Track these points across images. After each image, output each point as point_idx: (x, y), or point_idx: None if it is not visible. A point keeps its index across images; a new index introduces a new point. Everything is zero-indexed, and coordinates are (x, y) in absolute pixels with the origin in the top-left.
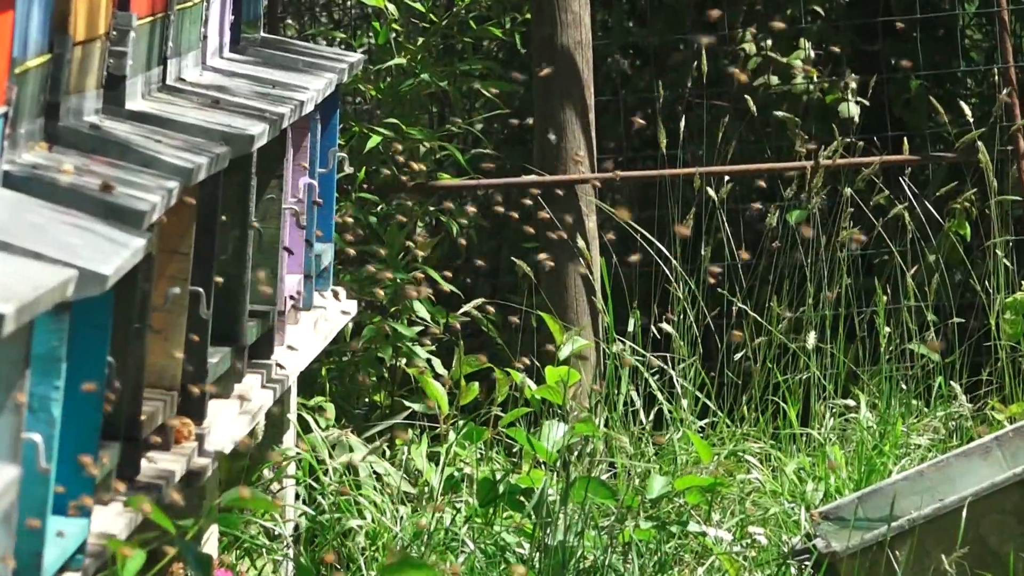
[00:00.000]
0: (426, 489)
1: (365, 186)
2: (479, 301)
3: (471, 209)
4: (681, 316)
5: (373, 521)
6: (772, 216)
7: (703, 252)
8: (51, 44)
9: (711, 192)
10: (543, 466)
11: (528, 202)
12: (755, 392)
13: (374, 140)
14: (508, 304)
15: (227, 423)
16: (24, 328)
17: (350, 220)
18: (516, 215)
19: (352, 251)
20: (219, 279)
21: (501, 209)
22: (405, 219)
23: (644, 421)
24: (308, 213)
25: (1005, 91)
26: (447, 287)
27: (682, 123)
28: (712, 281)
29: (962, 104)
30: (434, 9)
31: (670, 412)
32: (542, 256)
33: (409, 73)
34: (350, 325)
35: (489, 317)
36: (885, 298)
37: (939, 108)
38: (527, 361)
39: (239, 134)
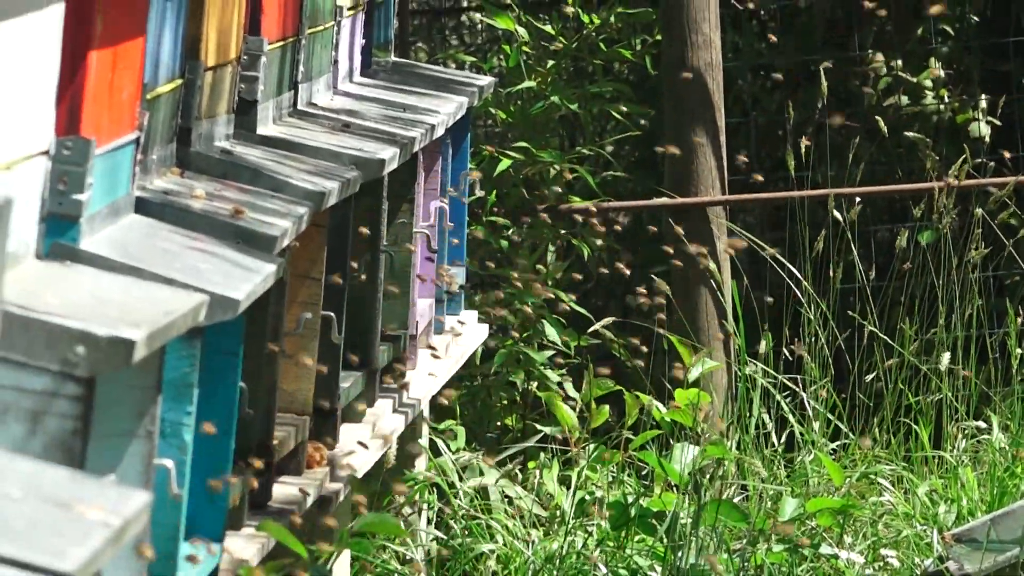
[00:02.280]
0: (558, 512)
1: (496, 209)
2: (609, 320)
3: (599, 230)
4: (812, 338)
5: (505, 545)
6: (902, 237)
7: (833, 273)
8: (183, 69)
9: (837, 215)
10: (675, 489)
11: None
12: (887, 414)
13: (504, 163)
14: (639, 325)
15: (359, 447)
16: (155, 354)
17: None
18: (653, 230)
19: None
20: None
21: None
22: (536, 242)
23: (776, 443)
24: (439, 237)
25: None
26: (578, 309)
27: (809, 144)
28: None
29: None
30: (564, 31)
31: (802, 434)
32: (676, 264)
33: (539, 96)
34: (480, 349)
35: (619, 340)
36: (1018, 319)
37: None
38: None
39: (370, 158)
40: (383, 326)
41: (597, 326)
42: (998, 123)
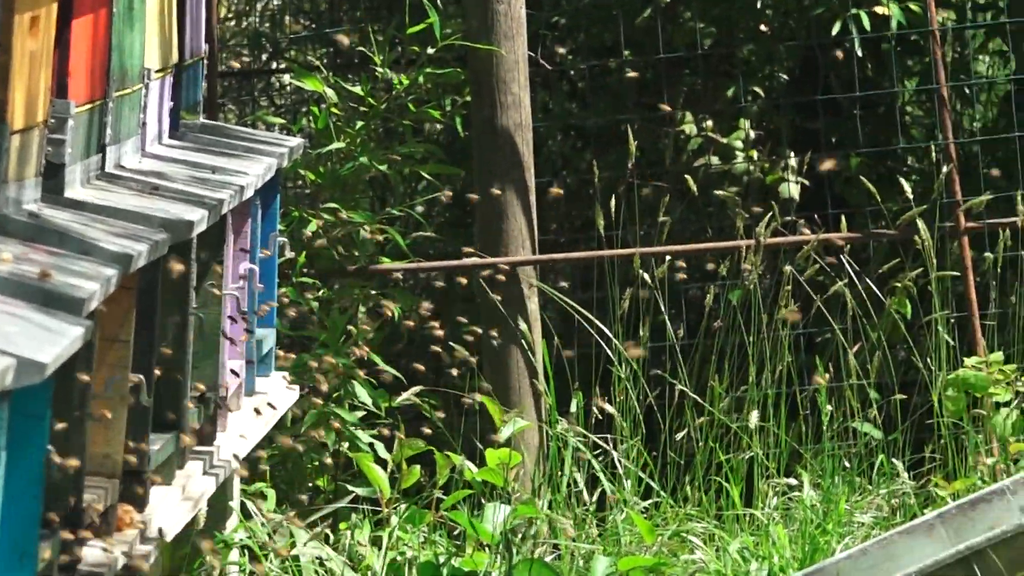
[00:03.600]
0: (369, 574)
1: (305, 270)
2: (417, 389)
3: (425, 306)
4: (623, 396)
5: None
6: (709, 296)
7: (641, 332)
8: None
9: (644, 275)
10: (486, 548)
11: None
12: (698, 472)
13: (314, 224)
14: (450, 389)
15: (169, 510)
16: None
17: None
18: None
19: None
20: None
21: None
22: (347, 304)
23: (587, 502)
24: (248, 298)
25: (945, 168)
26: (389, 371)
27: (619, 203)
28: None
29: (902, 181)
30: (373, 93)
31: (613, 493)
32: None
33: (349, 157)
34: (290, 411)
35: (430, 400)
36: (827, 376)
37: (872, 189)
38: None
39: (178, 220)
40: (192, 388)
41: (406, 395)
42: (806, 182)
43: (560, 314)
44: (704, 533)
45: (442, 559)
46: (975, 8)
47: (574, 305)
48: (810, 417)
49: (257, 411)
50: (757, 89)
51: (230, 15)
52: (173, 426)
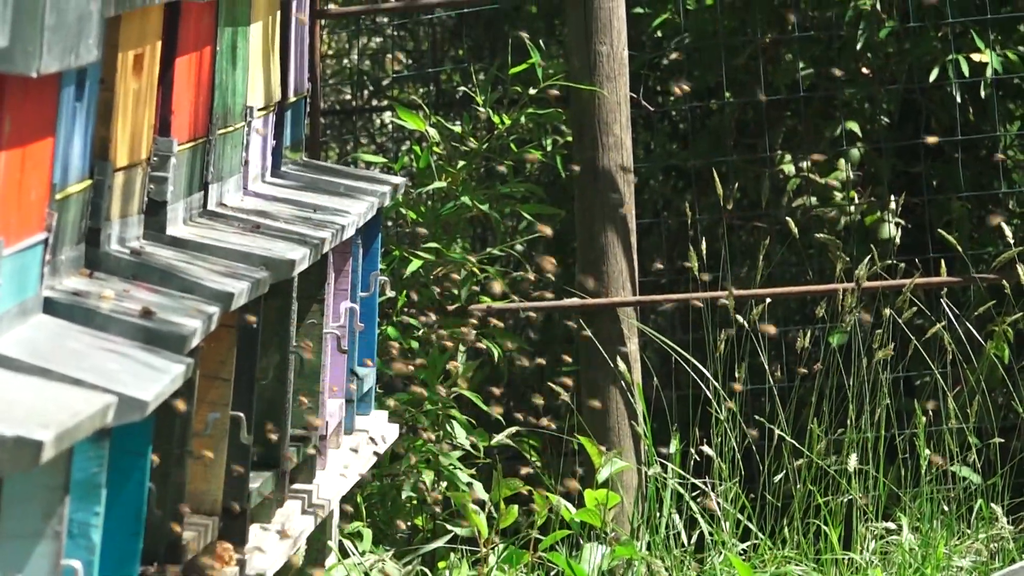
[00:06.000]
0: None
1: (406, 310)
2: (513, 429)
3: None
4: (721, 438)
5: None
6: (803, 339)
7: (738, 374)
8: (92, 170)
9: (739, 318)
10: None
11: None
12: (796, 514)
13: (415, 264)
14: (549, 429)
15: (268, 549)
16: (63, 454)
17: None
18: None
19: (396, 374)
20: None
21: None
22: (447, 343)
23: (686, 544)
24: (349, 337)
25: None
26: (488, 410)
27: (718, 245)
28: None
29: (1002, 225)
30: (475, 132)
31: (711, 535)
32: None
33: (450, 196)
34: (390, 449)
35: (529, 441)
36: (925, 419)
37: (953, 240)
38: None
39: (279, 259)
40: (292, 427)
41: (502, 435)
42: (904, 224)
43: (659, 355)
44: None
45: None
46: None
47: (673, 346)
48: (909, 461)
49: (373, 441)
50: (855, 129)
51: (331, 53)
52: (273, 464)
